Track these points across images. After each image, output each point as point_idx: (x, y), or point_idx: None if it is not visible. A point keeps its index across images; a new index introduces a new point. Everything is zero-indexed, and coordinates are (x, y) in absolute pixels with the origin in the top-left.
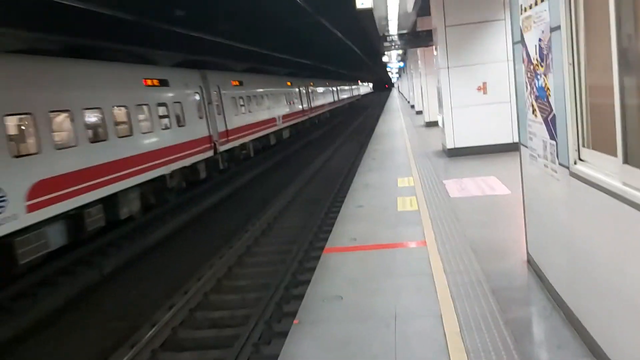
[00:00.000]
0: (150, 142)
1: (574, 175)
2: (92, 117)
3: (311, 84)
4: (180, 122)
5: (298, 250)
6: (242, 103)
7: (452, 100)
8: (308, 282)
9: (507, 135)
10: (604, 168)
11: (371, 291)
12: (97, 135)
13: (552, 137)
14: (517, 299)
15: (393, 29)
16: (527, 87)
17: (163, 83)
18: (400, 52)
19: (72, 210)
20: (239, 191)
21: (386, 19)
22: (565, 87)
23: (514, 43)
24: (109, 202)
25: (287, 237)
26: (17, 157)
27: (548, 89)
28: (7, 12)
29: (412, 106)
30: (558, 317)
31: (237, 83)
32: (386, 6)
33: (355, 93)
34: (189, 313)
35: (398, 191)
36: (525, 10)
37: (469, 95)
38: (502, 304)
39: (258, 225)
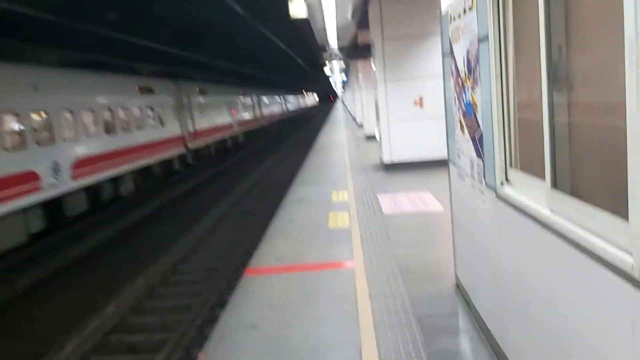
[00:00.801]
0: (143, 136)
1: (500, 197)
2: (106, 115)
3: (262, 94)
4: (162, 122)
5: (227, 268)
6: (206, 109)
7: (390, 114)
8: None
9: (443, 150)
10: (532, 192)
11: (290, 319)
12: (109, 129)
13: (479, 155)
14: (443, 328)
15: (333, 41)
16: (455, 102)
17: (150, 90)
18: (342, 64)
19: (94, 184)
20: (173, 202)
21: (325, 29)
22: (493, 102)
23: (443, 56)
24: (114, 181)
25: (217, 253)
26: (66, 140)
27: (475, 104)
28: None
29: (355, 119)
30: (485, 351)
31: (201, 91)
32: (323, 17)
33: (302, 104)
34: (103, 337)
35: (331, 206)
36: (454, 19)
37: (406, 110)
38: (427, 334)
39: (189, 239)
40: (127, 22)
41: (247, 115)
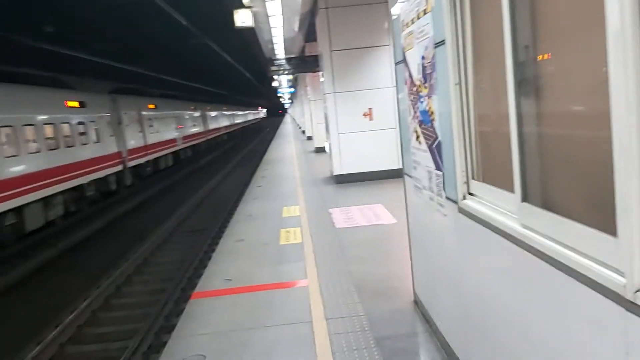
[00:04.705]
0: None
1: (463, 211)
2: None
3: (208, 108)
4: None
5: (174, 290)
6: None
7: (339, 127)
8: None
9: (393, 161)
10: (499, 205)
11: (240, 346)
12: None
13: (438, 167)
14: (404, 350)
15: (280, 54)
16: (410, 111)
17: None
18: (290, 77)
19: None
20: (116, 221)
21: (272, 42)
22: (452, 110)
23: (395, 64)
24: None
25: (163, 274)
26: None
27: (432, 112)
28: None
29: (303, 132)
30: None
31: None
32: (270, 28)
33: (251, 118)
34: None
35: (282, 222)
36: (407, 25)
37: (356, 121)
38: (387, 357)
39: (132, 261)
40: None
41: (193, 130)
